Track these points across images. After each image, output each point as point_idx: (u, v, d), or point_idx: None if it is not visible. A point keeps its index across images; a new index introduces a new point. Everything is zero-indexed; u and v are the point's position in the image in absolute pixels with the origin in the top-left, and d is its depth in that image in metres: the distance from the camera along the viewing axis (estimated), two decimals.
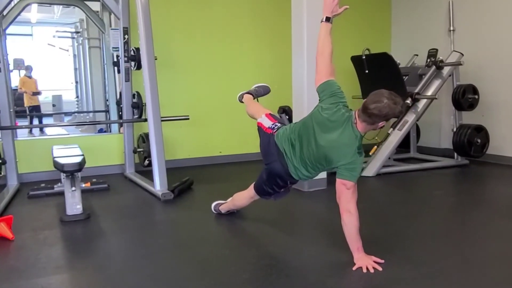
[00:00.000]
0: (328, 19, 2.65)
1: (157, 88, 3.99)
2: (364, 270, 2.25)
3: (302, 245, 2.70)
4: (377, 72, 4.84)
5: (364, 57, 4.84)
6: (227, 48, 5.49)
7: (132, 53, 4.58)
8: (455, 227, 3.03)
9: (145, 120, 4.17)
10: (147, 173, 4.51)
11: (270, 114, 2.90)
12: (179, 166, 5.07)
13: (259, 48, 5.65)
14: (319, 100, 2.55)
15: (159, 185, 3.87)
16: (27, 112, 8.35)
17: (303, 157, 2.51)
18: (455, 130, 4.93)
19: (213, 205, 3.32)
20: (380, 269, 2.25)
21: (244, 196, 3.05)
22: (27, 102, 8.31)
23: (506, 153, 4.91)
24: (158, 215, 3.48)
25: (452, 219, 3.24)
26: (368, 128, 2.37)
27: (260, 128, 2.85)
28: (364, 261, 2.30)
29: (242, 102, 3.31)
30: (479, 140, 4.73)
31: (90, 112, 8.03)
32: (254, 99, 3.28)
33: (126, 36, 4.65)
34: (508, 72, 4.86)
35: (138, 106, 4.61)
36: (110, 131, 5.62)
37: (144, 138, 4.65)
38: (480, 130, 4.77)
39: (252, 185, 2.92)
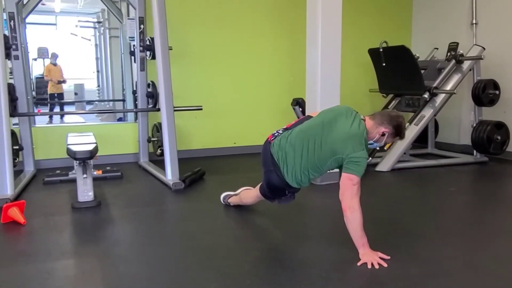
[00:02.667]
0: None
1: (170, 78, 3.99)
2: (369, 266, 2.21)
3: (309, 239, 2.68)
4: (395, 65, 4.75)
5: (381, 50, 4.75)
6: (242, 39, 5.46)
7: (147, 42, 4.59)
8: (466, 227, 2.95)
9: (159, 109, 4.18)
10: (160, 163, 4.52)
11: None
12: (193, 156, 5.08)
13: (275, 40, 5.60)
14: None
15: (170, 174, 3.88)
16: (48, 99, 8.49)
17: (305, 162, 2.44)
18: (474, 126, 4.81)
19: (222, 196, 3.32)
20: (385, 265, 2.21)
21: (251, 195, 3.03)
22: (50, 90, 8.44)
23: None
24: (168, 205, 3.50)
25: (464, 218, 3.16)
26: (373, 128, 2.42)
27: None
28: (369, 257, 2.26)
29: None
30: (499, 137, 4.60)
31: (109, 101, 8.14)
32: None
33: (141, 26, 4.66)
34: None
35: (153, 95, 4.63)
36: (126, 120, 5.67)
37: (159, 128, 4.67)
38: (500, 127, 4.64)
39: (259, 186, 2.87)
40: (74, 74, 10.22)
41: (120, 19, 5.64)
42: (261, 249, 2.50)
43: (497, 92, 4.66)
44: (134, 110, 4.84)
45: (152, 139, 4.79)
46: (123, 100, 6.36)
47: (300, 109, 4.70)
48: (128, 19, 4.99)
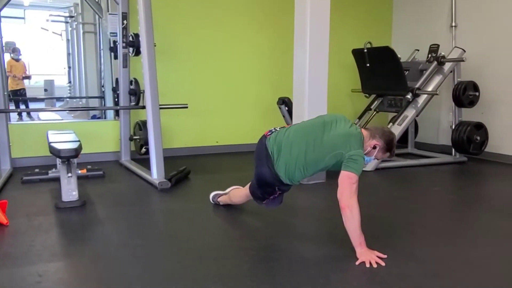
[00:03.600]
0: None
1: (156, 75, 3.91)
2: (367, 265, 2.21)
3: (302, 238, 2.67)
4: (378, 66, 4.81)
5: (365, 51, 4.80)
6: (227, 37, 5.42)
7: (130, 39, 4.48)
8: (456, 225, 3.01)
9: (143, 107, 4.10)
10: (143, 161, 4.45)
11: None
12: (175, 155, 5.00)
13: (260, 39, 5.58)
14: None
15: (156, 173, 3.81)
16: (10, 96, 8.15)
17: (302, 155, 2.44)
18: (453, 126, 4.91)
19: (211, 195, 3.27)
20: (383, 264, 2.22)
21: (241, 194, 3.00)
22: (10, 86, 8.07)
23: (504, 151, 4.91)
24: (155, 204, 3.43)
25: (452, 216, 3.22)
26: (366, 138, 2.46)
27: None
28: (367, 256, 2.26)
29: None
30: (478, 138, 4.71)
31: (84, 98, 7.92)
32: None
33: (124, 22, 4.56)
34: (509, 70, 4.84)
35: (136, 93, 4.53)
36: (105, 118, 5.53)
37: (141, 126, 4.58)
38: (480, 128, 4.75)
39: (249, 185, 2.84)
40: (44, 70, 9.96)
41: (100, 14, 5.50)
42: (257, 249, 2.47)
43: (477, 93, 4.77)
44: (118, 107, 4.72)
45: (134, 137, 4.69)
46: (102, 98, 6.21)
47: (286, 108, 4.69)
48: (110, 14, 4.87)
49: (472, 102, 4.79)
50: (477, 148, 4.75)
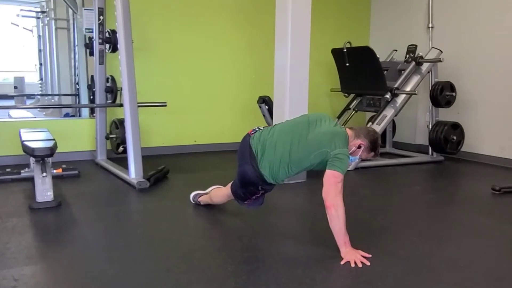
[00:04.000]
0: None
1: (134, 72, 3.82)
2: (352, 265, 2.20)
3: (286, 238, 2.64)
4: (358, 65, 4.83)
5: (345, 50, 4.81)
6: (206, 36, 5.35)
7: (107, 35, 4.37)
8: (437, 223, 3.03)
9: (121, 105, 4.00)
10: (119, 160, 4.35)
11: None
12: (153, 154, 4.90)
13: (240, 37, 5.53)
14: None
15: (134, 173, 3.72)
16: None
17: (286, 154, 2.41)
18: (430, 126, 4.98)
19: (192, 195, 3.21)
20: (368, 263, 2.20)
21: (222, 194, 2.95)
22: None
23: (479, 151, 5.00)
24: (134, 204, 3.35)
25: (433, 215, 3.24)
26: (351, 138, 2.45)
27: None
28: (351, 256, 2.25)
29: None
30: (454, 137, 4.78)
31: (57, 95, 7.71)
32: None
33: (101, 17, 4.44)
34: (485, 71, 4.94)
35: (112, 90, 4.42)
36: (79, 116, 5.39)
37: (118, 124, 4.46)
38: (456, 127, 4.83)
39: (230, 184, 2.79)
40: (13, 67, 9.70)
41: (74, 9, 5.35)
42: (241, 249, 2.43)
43: (453, 94, 4.84)
44: (94, 105, 4.59)
45: (111, 136, 4.57)
46: (76, 95, 6.05)
47: (267, 107, 4.66)
48: (85, 9, 4.75)
49: (449, 102, 4.87)
50: (453, 147, 4.82)
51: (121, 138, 4.37)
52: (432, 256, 2.37)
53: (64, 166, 4.04)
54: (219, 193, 3.01)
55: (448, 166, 4.87)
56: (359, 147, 2.45)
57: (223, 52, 5.46)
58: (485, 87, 4.95)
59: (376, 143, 2.48)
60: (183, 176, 4.16)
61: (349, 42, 4.81)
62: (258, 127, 2.63)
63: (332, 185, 2.28)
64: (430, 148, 5.04)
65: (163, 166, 4.07)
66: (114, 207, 3.16)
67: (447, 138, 4.76)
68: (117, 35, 3.83)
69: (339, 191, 2.28)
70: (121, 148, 4.18)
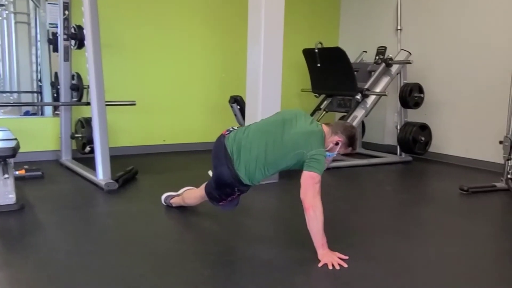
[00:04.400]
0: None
1: (102, 70, 3.69)
2: (330, 267, 2.17)
3: (262, 240, 2.59)
4: (329, 66, 4.84)
5: (316, 51, 4.81)
6: (176, 33, 5.25)
7: (72, 30, 4.21)
8: (410, 223, 3.06)
9: (88, 103, 3.85)
10: (85, 161, 4.20)
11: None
12: (120, 154, 4.76)
13: (210, 37, 5.46)
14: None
15: (102, 174, 3.59)
16: None
17: (262, 155, 2.36)
18: (399, 127, 5.05)
19: (163, 197, 3.12)
20: (345, 265, 2.19)
21: (195, 195, 2.87)
22: None
23: (446, 151, 5.11)
24: (103, 207, 3.22)
25: (406, 215, 3.27)
26: (328, 135, 2.42)
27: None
28: (329, 258, 2.22)
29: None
30: (423, 138, 4.87)
31: (16, 92, 7.39)
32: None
33: (66, 12, 4.27)
34: (451, 73, 5.05)
35: (78, 88, 4.26)
36: (42, 114, 5.18)
37: (84, 123, 4.30)
38: (424, 128, 4.91)
39: (204, 185, 2.72)
40: None
41: (37, 3, 5.14)
42: (217, 253, 2.36)
43: (421, 95, 4.93)
44: (60, 103, 4.40)
45: (76, 135, 4.40)
46: (39, 92, 5.80)
47: (238, 107, 4.60)
48: (49, 3, 4.56)
49: (417, 104, 4.95)
50: (421, 148, 4.91)
51: (87, 138, 4.21)
52: (408, 257, 2.38)
53: (26, 166, 3.86)
54: (192, 194, 2.94)
55: (417, 166, 4.95)
56: (336, 143, 2.42)
57: (193, 51, 5.37)
58: (451, 89, 5.06)
59: (353, 138, 2.46)
60: (153, 177, 4.05)
61: (321, 43, 4.82)
62: (232, 127, 2.58)
63: (309, 186, 2.25)
64: (398, 148, 5.11)
65: (131, 167, 3.95)
66: (81, 210, 3.04)
67: (415, 139, 4.84)
68: (84, 31, 3.68)
69: (317, 192, 2.25)
70: (88, 148, 4.02)
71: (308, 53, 5.02)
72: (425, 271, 2.20)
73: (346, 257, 2.26)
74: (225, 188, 2.51)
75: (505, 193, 3.73)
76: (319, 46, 4.80)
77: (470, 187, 3.71)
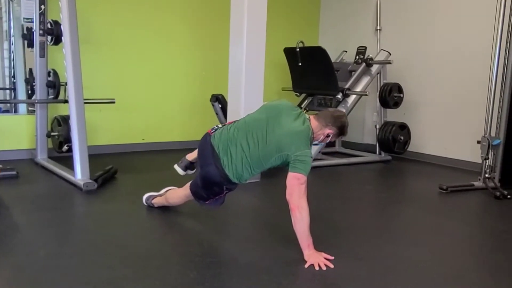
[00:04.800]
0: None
1: (80, 66, 3.60)
2: (317, 268, 2.16)
3: (247, 241, 2.56)
4: (310, 65, 4.84)
5: (298, 50, 4.80)
6: (155, 30, 5.16)
7: (49, 26, 4.09)
8: (392, 223, 3.08)
9: (65, 101, 3.76)
10: (62, 160, 4.10)
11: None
12: (98, 152, 4.65)
13: (190, 33, 5.39)
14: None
15: (80, 173, 3.49)
16: None
17: (248, 155, 2.33)
18: (378, 126, 5.09)
19: (144, 197, 3.07)
20: (332, 266, 2.18)
21: (179, 195, 2.83)
22: None
23: (424, 150, 5.19)
24: (82, 207, 3.14)
25: (388, 214, 3.30)
26: (317, 128, 2.41)
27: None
28: (315, 258, 2.21)
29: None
30: (402, 137, 4.92)
31: None
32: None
33: (42, 7, 4.15)
34: (429, 73, 5.12)
35: (55, 85, 4.14)
36: (15, 112, 5.02)
37: (60, 121, 4.19)
38: (403, 128, 4.97)
39: (188, 184, 2.68)
40: None
41: None
42: (201, 254, 2.32)
43: (401, 95, 4.98)
44: (36, 101, 4.27)
45: (53, 133, 4.28)
46: (12, 89, 5.62)
47: (220, 106, 4.56)
48: None
49: (396, 103, 5.00)
50: (400, 147, 4.96)
51: (64, 136, 4.11)
52: (392, 256, 2.39)
53: (0, 166, 3.74)
54: (176, 194, 2.89)
55: (396, 165, 5.00)
56: (327, 135, 2.43)
57: (173, 49, 5.29)
58: (429, 89, 5.13)
59: (343, 128, 2.45)
60: (132, 176, 3.98)
61: (302, 42, 4.81)
62: (217, 126, 2.54)
63: (295, 187, 2.24)
64: (377, 147, 5.16)
65: (110, 166, 3.86)
66: (60, 211, 2.95)
67: (395, 138, 4.88)
68: (62, 27, 3.58)
69: (302, 192, 2.24)
70: (65, 147, 3.91)
71: (289, 52, 5.00)
72: (410, 271, 2.22)
73: (332, 258, 2.26)
74: (213, 187, 2.47)
75: (482, 192, 3.79)
76: (301, 45, 4.79)
77: (449, 186, 3.76)
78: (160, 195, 3.01)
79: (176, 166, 2.84)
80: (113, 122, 4.97)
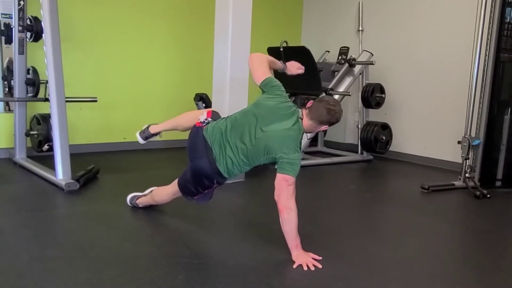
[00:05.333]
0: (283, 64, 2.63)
1: (62, 64, 3.52)
2: (305, 268, 2.17)
3: (234, 242, 2.55)
4: None
5: (282, 49, 4.80)
6: (137, 29, 5.09)
7: (28, 22, 3.99)
8: (377, 222, 3.12)
9: (46, 99, 3.68)
10: (42, 159, 4.02)
11: (212, 111, 2.65)
12: (78, 152, 4.54)
13: (173, 31, 5.33)
14: (263, 92, 2.45)
15: (61, 173, 3.42)
16: None
17: (240, 148, 2.34)
18: (360, 126, 5.14)
19: (129, 197, 3.02)
20: (320, 266, 2.19)
21: (167, 192, 2.79)
22: None
23: (405, 150, 5.25)
24: (64, 208, 3.07)
25: (372, 213, 3.33)
26: (312, 127, 2.40)
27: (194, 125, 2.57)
28: (303, 259, 2.23)
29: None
30: (384, 137, 4.97)
31: None
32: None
33: (21, 2, 4.05)
34: (411, 74, 5.19)
35: (34, 83, 4.05)
36: None
37: (40, 120, 4.10)
38: (385, 128, 5.02)
39: (176, 181, 2.67)
40: None
41: None
42: (189, 256, 2.30)
43: (383, 95, 5.03)
44: (15, 99, 4.16)
45: (32, 132, 4.18)
46: None
47: (204, 105, 4.53)
48: None
49: (378, 104, 5.05)
50: (382, 147, 5.01)
51: (43, 135, 4.03)
52: (378, 256, 2.42)
53: None
54: (162, 192, 2.85)
55: (378, 165, 5.06)
56: (322, 129, 2.46)
57: (155, 47, 5.22)
58: (410, 89, 5.21)
59: (337, 120, 2.41)
60: (115, 176, 3.92)
61: (286, 42, 4.81)
62: (205, 119, 2.53)
63: (283, 188, 2.24)
64: (359, 147, 5.20)
65: (92, 166, 3.80)
66: (42, 212, 2.88)
67: (377, 138, 4.93)
68: (42, 23, 3.50)
69: (291, 193, 2.24)
70: (46, 147, 3.82)
71: (273, 52, 4.98)
72: (397, 271, 2.25)
73: (320, 258, 2.27)
74: (203, 180, 2.46)
75: (463, 191, 3.86)
76: (284, 45, 4.79)
77: (430, 186, 3.82)
78: (145, 195, 2.97)
79: (137, 135, 2.96)
80: (93, 121, 4.88)
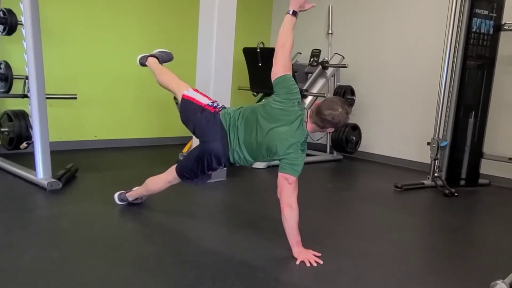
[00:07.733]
0: (294, 13, 2.62)
1: (42, 59, 3.42)
2: (307, 264, 2.26)
3: (233, 240, 2.60)
4: (270, 66, 4.88)
5: (258, 50, 4.88)
6: (113, 25, 4.99)
7: (1, 14, 3.82)
8: (361, 219, 3.23)
9: (24, 95, 3.55)
10: (13, 157, 3.89)
11: (198, 90, 2.74)
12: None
13: (149, 28, 5.26)
14: (274, 92, 2.49)
15: (42, 172, 3.33)
16: None
17: (246, 143, 2.44)
18: None
19: (116, 195, 3.01)
20: (321, 262, 2.29)
21: (161, 179, 2.81)
22: None
23: (373, 150, 5.47)
24: (52, 208, 2.98)
25: (354, 211, 3.45)
26: (316, 130, 2.46)
27: (189, 101, 2.62)
28: (305, 255, 2.31)
29: (145, 65, 3.08)
30: (354, 138, 5.16)
31: None
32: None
33: None
34: (379, 76, 5.40)
35: (7, 78, 3.88)
36: None
37: (12, 116, 3.94)
38: (355, 129, 5.21)
39: (172, 168, 2.72)
40: None
41: None
42: (193, 254, 2.32)
43: (354, 97, 5.22)
44: None
45: (2, 129, 4.02)
46: None
47: None
48: None
49: (349, 105, 5.21)
50: (352, 147, 5.21)
51: (16, 133, 3.89)
52: (373, 251, 2.55)
53: None
54: (157, 180, 2.85)
55: (348, 164, 5.24)
56: (328, 130, 2.54)
57: (130, 44, 5.11)
58: (379, 91, 5.42)
59: (338, 122, 2.41)
60: (93, 175, 3.85)
61: (262, 43, 4.89)
62: (217, 103, 2.61)
63: (285, 186, 2.33)
64: (328, 146, 5.37)
65: (71, 165, 3.71)
66: (30, 213, 2.81)
67: (347, 138, 5.12)
68: (23, 18, 3.37)
69: (291, 192, 2.34)
70: (24, 145, 3.68)
71: (249, 52, 5.07)
72: (393, 265, 2.38)
73: (319, 254, 2.36)
74: (212, 162, 2.53)
75: (432, 190, 4.09)
76: (261, 46, 4.87)
77: (403, 185, 4.02)
78: (135, 190, 2.96)
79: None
80: (63, 118, 4.71)
